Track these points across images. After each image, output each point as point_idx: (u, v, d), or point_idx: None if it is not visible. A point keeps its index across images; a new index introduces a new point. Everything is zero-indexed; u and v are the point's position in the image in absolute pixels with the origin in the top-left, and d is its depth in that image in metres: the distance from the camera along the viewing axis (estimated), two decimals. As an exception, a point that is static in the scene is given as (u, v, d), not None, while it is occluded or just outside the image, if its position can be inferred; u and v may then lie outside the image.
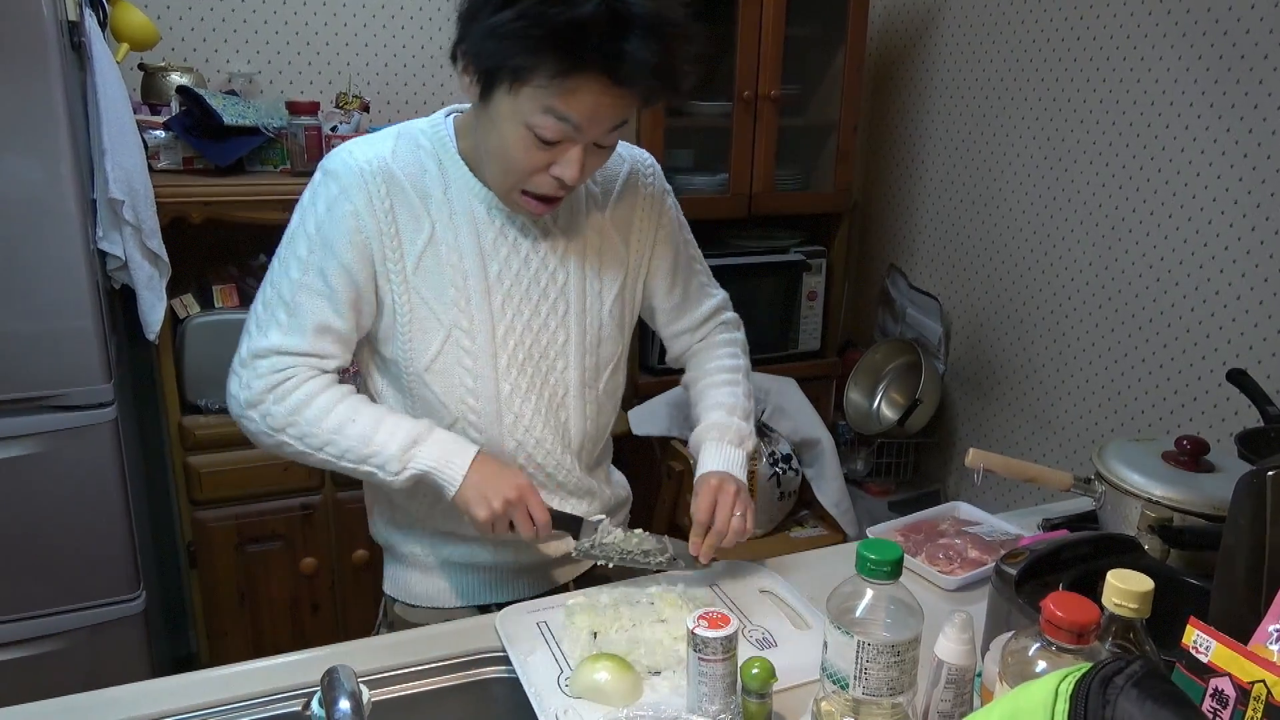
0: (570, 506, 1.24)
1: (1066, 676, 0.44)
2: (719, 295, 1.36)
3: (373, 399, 1.19)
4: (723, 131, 2.34)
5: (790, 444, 2.29)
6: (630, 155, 1.23)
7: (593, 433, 1.25)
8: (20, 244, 1.64)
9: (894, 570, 0.74)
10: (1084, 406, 2.19)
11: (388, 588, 1.31)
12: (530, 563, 1.26)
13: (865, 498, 2.59)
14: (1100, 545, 0.98)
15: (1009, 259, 2.36)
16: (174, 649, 2.21)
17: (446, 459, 1.08)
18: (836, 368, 2.63)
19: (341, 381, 1.13)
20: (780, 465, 2.25)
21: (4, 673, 1.76)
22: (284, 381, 1.08)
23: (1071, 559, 0.96)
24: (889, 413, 2.59)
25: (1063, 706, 0.42)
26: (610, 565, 1.16)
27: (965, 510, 1.40)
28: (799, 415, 2.30)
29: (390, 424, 1.09)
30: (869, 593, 0.75)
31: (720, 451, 1.22)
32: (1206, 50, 1.84)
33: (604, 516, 1.19)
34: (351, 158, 1.08)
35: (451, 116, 1.14)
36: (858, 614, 0.75)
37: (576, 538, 1.16)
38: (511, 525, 1.10)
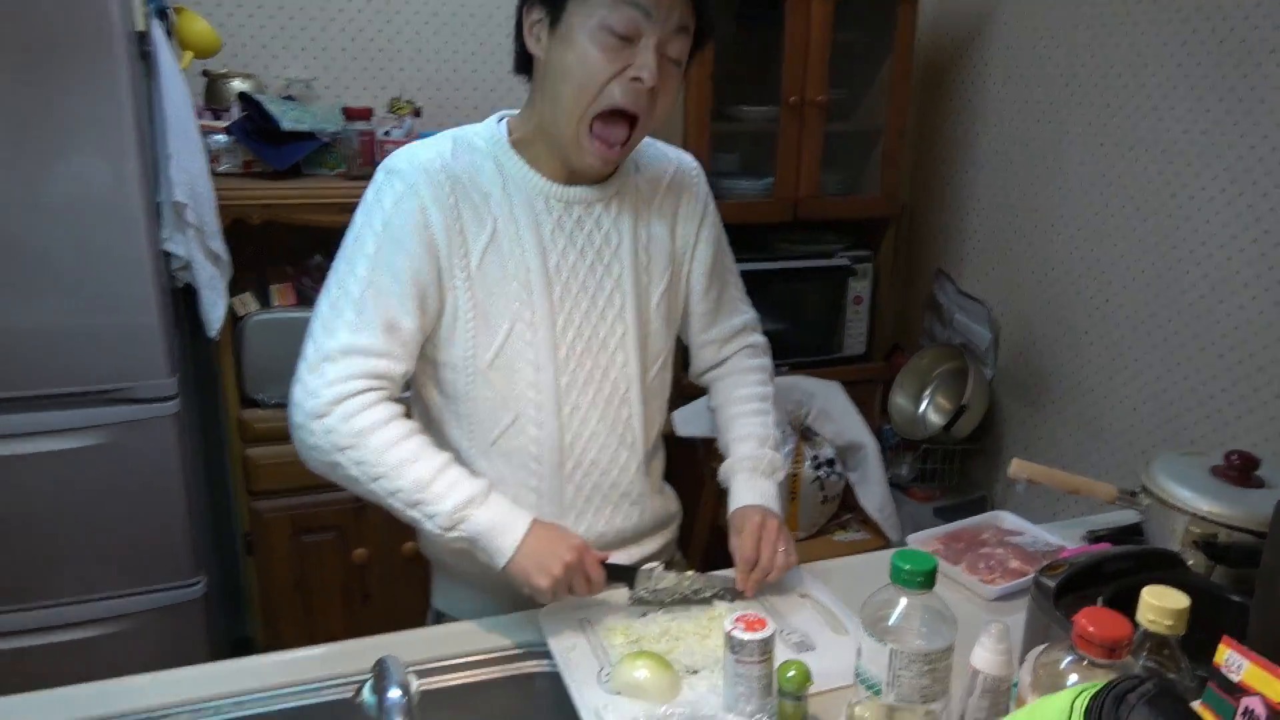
0: (622, 515, 1.26)
1: (1083, 692, 0.45)
2: (750, 313, 1.38)
3: (426, 412, 1.21)
4: (769, 136, 2.34)
5: (834, 448, 2.30)
6: (677, 156, 1.27)
7: (650, 430, 1.27)
8: (90, 244, 1.72)
9: (927, 580, 0.75)
10: (1134, 417, 2.16)
11: (438, 602, 1.32)
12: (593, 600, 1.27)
13: (910, 503, 2.58)
14: (1142, 560, 0.98)
15: (1059, 265, 2.34)
16: (232, 632, 2.29)
17: (501, 527, 1.07)
18: (882, 372, 2.62)
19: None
20: (824, 469, 2.25)
21: (75, 652, 1.84)
22: (353, 396, 1.06)
23: (1112, 573, 0.96)
24: (935, 418, 2.57)
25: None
26: (661, 610, 1.15)
27: (1008, 520, 1.39)
28: (843, 419, 2.30)
29: (451, 476, 1.07)
30: (903, 601, 0.76)
31: (754, 484, 1.25)
32: (1265, 57, 1.80)
33: (656, 564, 1.19)
34: (415, 157, 1.11)
35: (503, 120, 1.17)
36: (891, 622, 0.76)
37: (632, 587, 1.15)
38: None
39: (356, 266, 1.09)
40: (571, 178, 1.15)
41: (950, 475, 2.63)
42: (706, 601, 1.16)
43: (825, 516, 2.31)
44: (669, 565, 1.21)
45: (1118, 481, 1.25)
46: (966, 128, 2.62)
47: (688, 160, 1.28)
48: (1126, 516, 1.36)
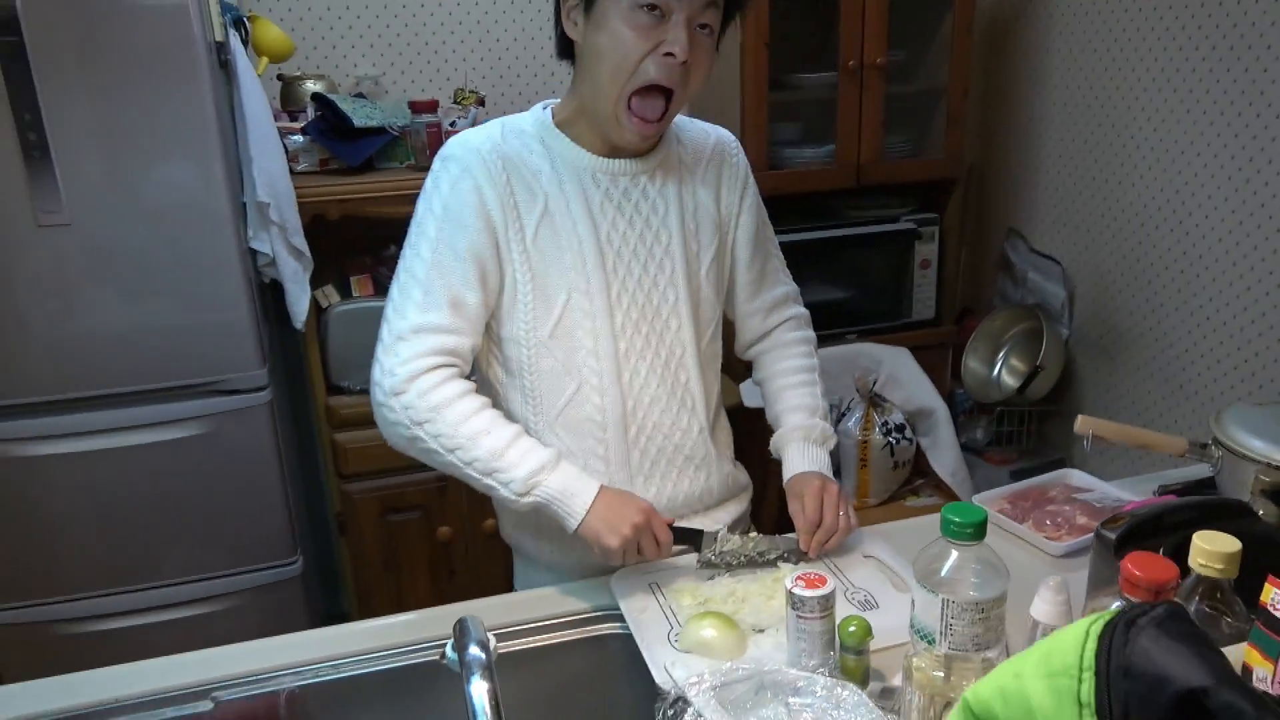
0: (689, 480, 1.29)
1: (1098, 619, 0.47)
2: (792, 285, 1.41)
3: (492, 391, 1.26)
4: (828, 103, 2.33)
5: (904, 413, 2.29)
6: (716, 131, 1.31)
7: (709, 396, 1.30)
8: (184, 247, 1.83)
9: (977, 532, 0.77)
10: (1217, 370, 2.09)
11: (519, 585, 1.37)
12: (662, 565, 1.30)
13: (985, 467, 2.55)
14: (1207, 510, 0.97)
15: (1135, 218, 2.27)
16: (328, 608, 2.42)
17: (571, 491, 1.12)
18: (953, 335, 2.59)
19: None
20: (894, 435, 2.25)
21: (185, 628, 1.98)
22: (427, 371, 1.12)
23: (1175, 524, 0.96)
24: (1009, 380, 2.53)
25: (1091, 645, 0.45)
26: (729, 572, 1.18)
27: (1077, 478, 1.38)
28: (912, 384, 2.29)
29: (523, 446, 1.13)
30: (954, 553, 0.78)
31: (807, 452, 1.30)
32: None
33: (721, 526, 1.23)
34: (468, 142, 1.18)
35: (548, 107, 1.22)
36: (943, 574, 0.79)
37: (699, 551, 1.18)
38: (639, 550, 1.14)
39: (421, 250, 1.15)
40: (615, 152, 1.19)
41: (1026, 438, 2.59)
42: (771, 564, 1.20)
43: (897, 483, 2.31)
44: (737, 531, 1.25)
45: (1202, 438, 1.22)
46: (1033, 82, 2.55)
47: (726, 134, 1.32)
48: (1201, 471, 1.34)
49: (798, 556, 1.21)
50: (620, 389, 1.22)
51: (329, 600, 2.42)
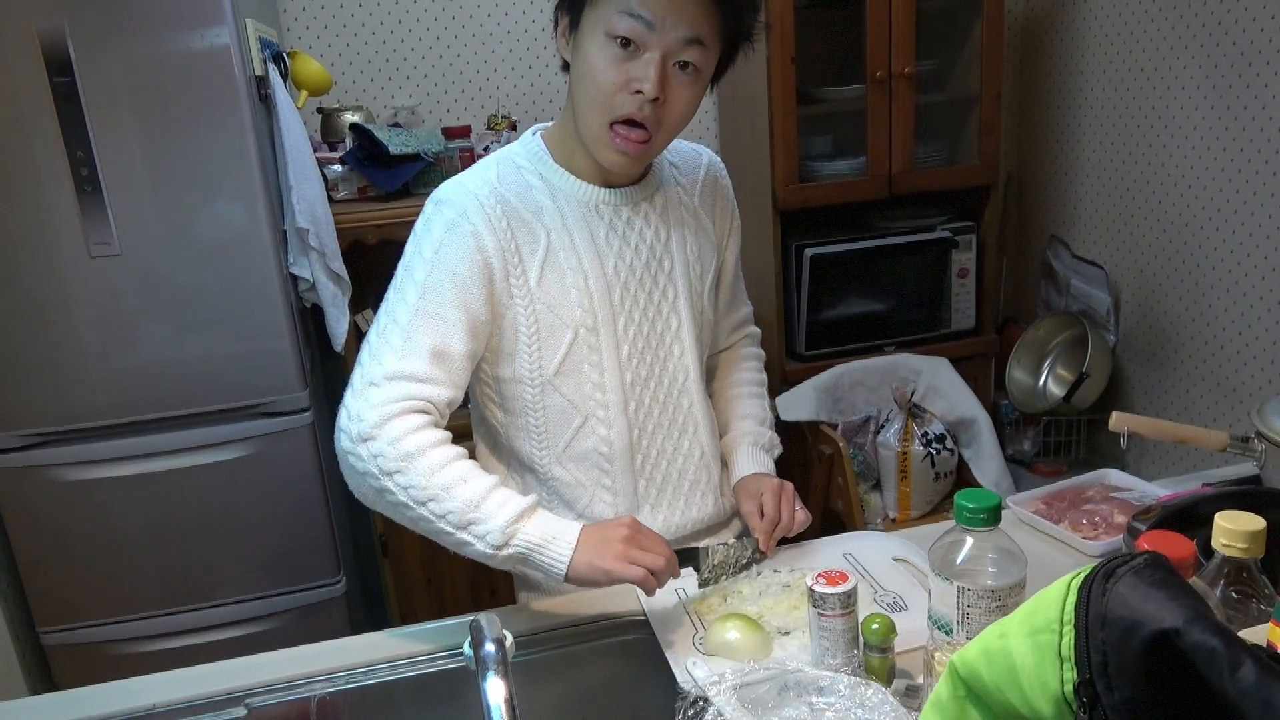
0: (696, 506, 1.28)
1: (1080, 573, 0.46)
2: (750, 305, 1.46)
3: (492, 433, 1.25)
4: (858, 115, 2.33)
5: (944, 424, 2.25)
6: (706, 152, 1.32)
7: (709, 417, 1.31)
8: (229, 275, 1.89)
9: (991, 517, 0.75)
10: (1272, 370, 2.02)
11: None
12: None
13: (1033, 478, 2.49)
14: (1243, 500, 0.94)
15: (1179, 219, 2.22)
16: (372, 627, 2.44)
17: (552, 535, 1.04)
18: (994, 345, 2.54)
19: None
20: (934, 445, 2.21)
21: (231, 649, 1.99)
22: (399, 416, 1.04)
23: (1210, 515, 0.93)
24: (1055, 389, 2.48)
25: (1072, 599, 0.44)
26: (727, 580, 1.17)
27: (1116, 477, 1.35)
28: (953, 394, 2.26)
29: (501, 495, 1.04)
30: (969, 541, 0.77)
31: (756, 456, 1.33)
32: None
33: (707, 542, 1.22)
34: (463, 186, 1.14)
35: (538, 134, 1.21)
36: (959, 562, 0.77)
37: (698, 569, 1.15)
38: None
39: (407, 294, 1.09)
40: (612, 181, 1.17)
41: (1076, 447, 2.52)
42: (747, 566, 1.19)
43: (939, 494, 2.27)
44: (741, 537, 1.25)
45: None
46: (1069, 86, 2.52)
47: (714, 155, 1.33)
48: (1247, 469, 1.29)
49: (761, 556, 1.21)
50: (626, 419, 1.20)
51: (373, 620, 2.45)
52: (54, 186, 1.77)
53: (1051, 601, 0.44)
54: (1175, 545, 0.64)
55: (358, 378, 1.08)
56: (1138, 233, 2.35)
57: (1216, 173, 2.09)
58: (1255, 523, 0.66)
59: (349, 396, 1.08)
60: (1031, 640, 0.44)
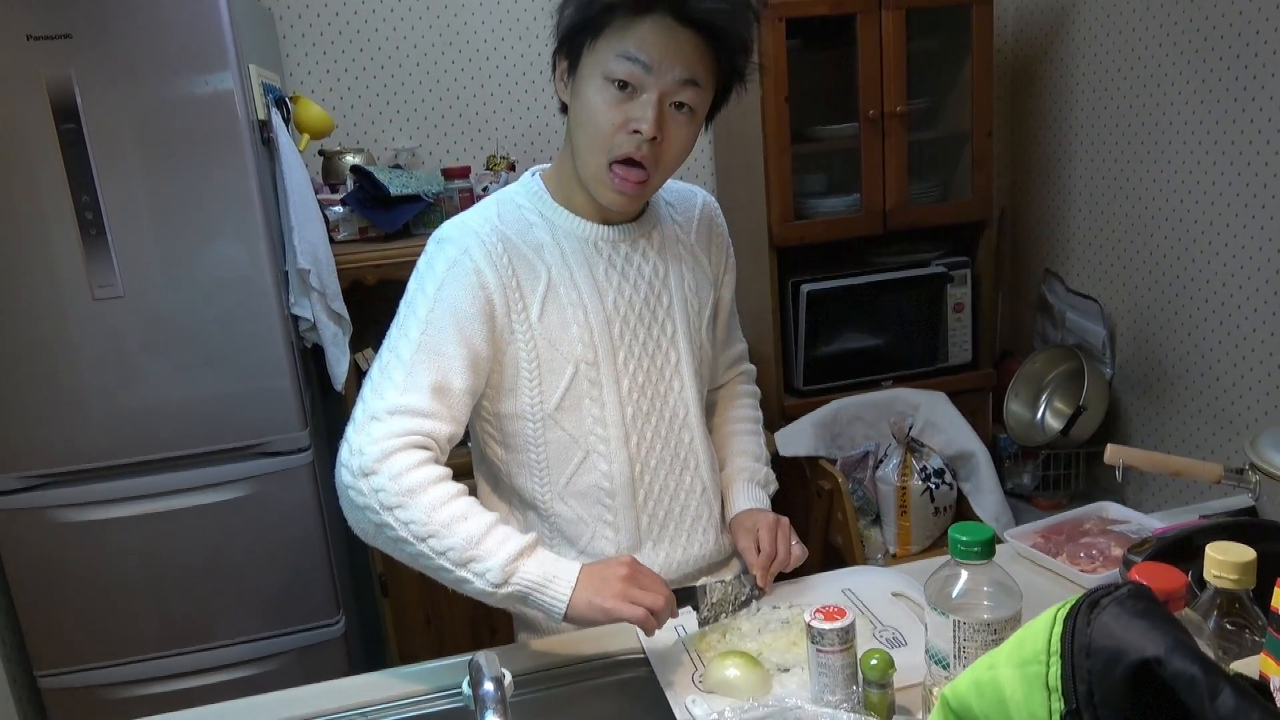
0: (698, 542, 1.29)
1: (1066, 604, 0.46)
2: (744, 341, 1.47)
3: (493, 470, 1.26)
4: (852, 152, 2.36)
5: (943, 458, 2.25)
6: (700, 192, 1.35)
7: (710, 452, 1.31)
8: (230, 316, 1.91)
9: (985, 550, 0.76)
10: (1268, 402, 2.03)
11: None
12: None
13: (1033, 512, 2.49)
14: (1237, 532, 0.94)
15: (1171, 251, 2.24)
16: (371, 668, 2.42)
17: (552, 574, 1.04)
18: (991, 379, 2.56)
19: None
20: (933, 480, 2.21)
21: (229, 691, 1.97)
22: (400, 451, 1.05)
23: (1204, 547, 0.93)
24: (1053, 422, 2.48)
25: (1058, 629, 0.44)
26: (727, 618, 1.16)
27: (1113, 510, 1.35)
28: (950, 428, 2.26)
29: (501, 533, 1.05)
30: (964, 574, 0.77)
31: (752, 492, 1.34)
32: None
33: (705, 580, 1.22)
34: (465, 224, 1.16)
35: (536, 174, 1.24)
36: (955, 596, 0.78)
37: (696, 608, 1.14)
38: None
39: (409, 330, 1.10)
40: (610, 217, 1.19)
41: (1075, 481, 2.52)
42: (746, 604, 1.18)
43: (939, 529, 2.26)
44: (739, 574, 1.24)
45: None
46: (1060, 123, 2.56)
47: (707, 194, 1.36)
48: (1243, 501, 1.30)
49: (759, 592, 1.20)
50: (628, 453, 1.21)
51: (372, 660, 2.43)
52: (59, 230, 1.79)
53: (1039, 633, 0.45)
54: (1167, 577, 0.64)
55: (359, 412, 1.09)
56: (1131, 266, 2.38)
57: (1206, 206, 2.12)
58: (1245, 554, 0.67)
59: (350, 431, 1.08)
60: (1020, 671, 0.45)
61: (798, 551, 1.23)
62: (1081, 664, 0.42)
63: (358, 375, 2.22)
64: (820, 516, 2.25)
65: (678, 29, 1.06)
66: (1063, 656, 0.43)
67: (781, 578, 1.24)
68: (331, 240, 2.14)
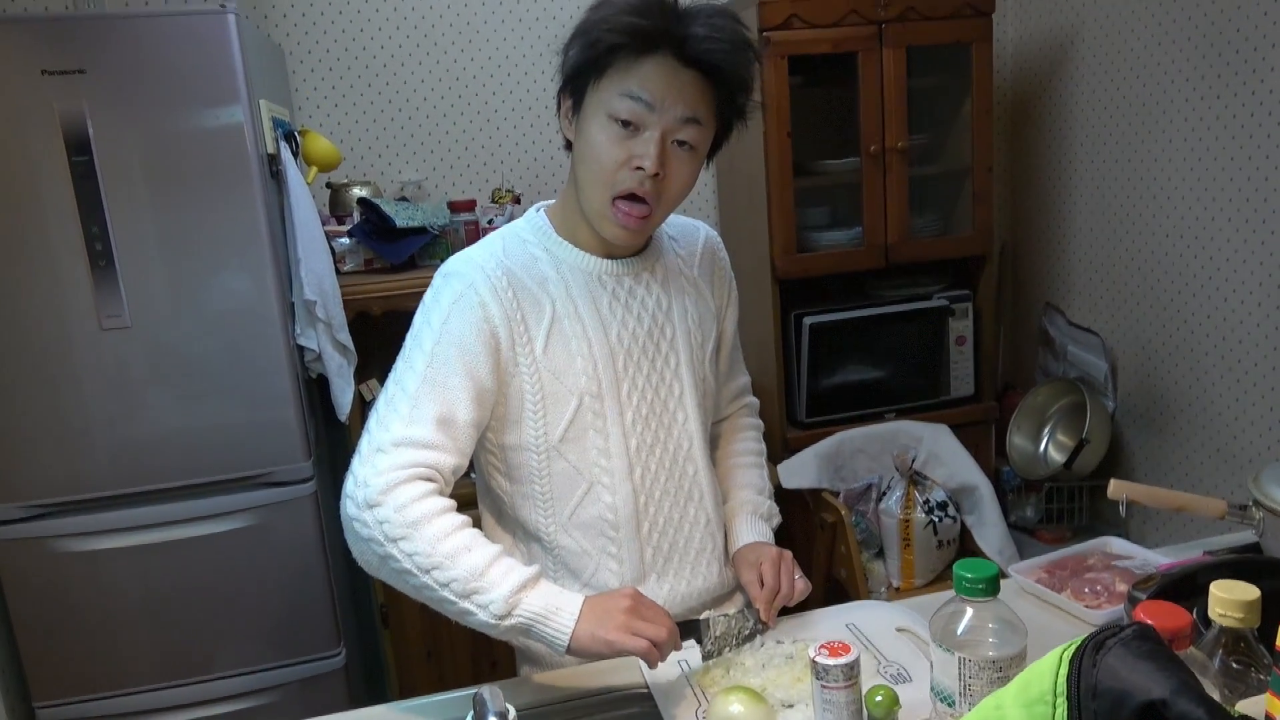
0: (702, 575, 1.29)
1: (1071, 645, 0.47)
2: (747, 375, 1.48)
3: (497, 502, 1.27)
4: (854, 186, 2.39)
5: (946, 491, 2.25)
6: (703, 227, 1.36)
7: (714, 485, 1.32)
8: (237, 347, 1.92)
9: (990, 587, 0.76)
10: (1270, 436, 2.03)
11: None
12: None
13: (1036, 545, 2.48)
14: (1241, 569, 0.94)
15: (1172, 285, 2.25)
16: (371, 700, 2.40)
17: (555, 607, 1.05)
18: (993, 412, 2.56)
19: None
20: (936, 513, 2.21)
21: (231, 722, 1.99)
22: (405, 483, 1.06)
23: (1208, 584, 0.93)
24: (1056, 456, 2.49)
25: (1064, 670, 0.45)
26: (730, 652, 1.16)
27: (1117, 545, 1.35)
28: (953, 461, 2.26)
29: (505, 565, 1.06)
30: (969, 611, 0.78)
31: (755, 525, 1.35)
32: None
33: (709, 613, 1.22)
34: (470, 259, 1.18)
35: (541, 210, 1.25)
36: (960, 633, 0.78)
37: (700, 641, 1.14)
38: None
39: (415, 363, 1.12)
40: (614, 251, 1.21)
41: (1078, 514, 2.52)
42: (751, 638, 1.18)
43: (943, 562, 2.25)
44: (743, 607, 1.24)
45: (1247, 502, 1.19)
46: (1060, 158, 2.59)
47: (711, 230, 1.38)
48: (1247, 536, 1.30)
49: (764, 627, 1.20)
50: (632, 485, 1.22)
51: (373, 693, 2.41)
52: (68, 261, 1.81)
53: (1045, 673, 0.45)
54: (1171, 616, 0.64)
55: (365, 444, 1.10)
56: (1132, 299, 2.39)
57: (1206, 240, 2.13)
58: (1250, 592, 0.67)
59: (356, 463, 1.10)
60: (1027, 712, 0.45)
61: (801, 586, 1.23)
62: (1088, 705, 0.42)
63: (362, 406, 2.23)
64: (824, 549, 2.24)
65: (680, 69, 1.08)
66: (1069, 698, 0.43)
67: (785, 612, 1.24)
68: (338, 271, 2.16)
